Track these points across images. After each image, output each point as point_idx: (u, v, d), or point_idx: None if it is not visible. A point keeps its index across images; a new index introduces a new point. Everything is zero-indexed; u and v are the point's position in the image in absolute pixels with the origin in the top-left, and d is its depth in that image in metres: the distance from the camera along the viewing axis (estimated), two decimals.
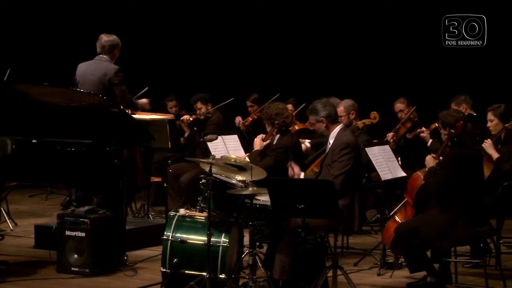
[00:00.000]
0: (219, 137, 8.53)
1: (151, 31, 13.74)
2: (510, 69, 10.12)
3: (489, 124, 8.51)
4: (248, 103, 11.59)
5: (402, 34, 11.67)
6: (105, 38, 8.75)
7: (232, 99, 10.88)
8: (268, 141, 8.30)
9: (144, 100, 9.29)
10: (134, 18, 13.77)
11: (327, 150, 7.20)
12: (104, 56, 8.71)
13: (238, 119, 11.38)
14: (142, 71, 12.86)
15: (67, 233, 7.93)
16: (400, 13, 11.76)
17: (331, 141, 7.16)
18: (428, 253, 7.45)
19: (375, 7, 12.00)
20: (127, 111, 8.61)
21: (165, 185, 10.30)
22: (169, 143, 10.10)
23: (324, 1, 12.58)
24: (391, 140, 9.77)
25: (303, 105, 10.04)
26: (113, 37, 8.77)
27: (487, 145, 8.22)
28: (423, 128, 9.33)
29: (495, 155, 8.17)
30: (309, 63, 12.71)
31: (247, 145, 8.99)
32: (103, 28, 9.10)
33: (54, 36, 13.71)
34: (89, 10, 13.81)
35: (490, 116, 8.49)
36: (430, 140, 9.25)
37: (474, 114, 9.95)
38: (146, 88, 10.42)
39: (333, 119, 7.21)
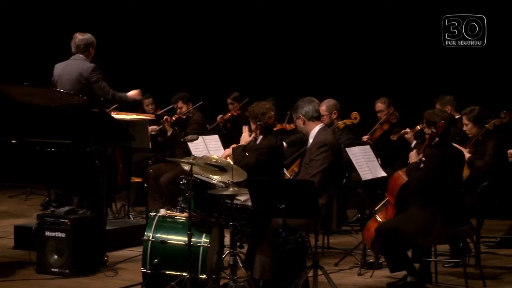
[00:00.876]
0: (200, 137, 8.52)
1: (127, 31, 13.70)
2: (510, 69, 10.15)
3: (464, 127, 8.55)
4: (229, 101, 11.59)
5: (402, 34, 11.68)
6: (79, 37, 8.72)
7: (201, 102, 10.86)
8: (251, 139, 8.28)
9: (133, 92, 9.16)
10: (111, 16, 13.71)
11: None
12: (80, 55, 8.68)
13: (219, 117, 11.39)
14: (119, 69, 12.83)
15: (47, 233, 7.89)
16: (400, 13, 11.77)
17: (310, 140, 7.18)
18: (409, 253, 7.48)
19: (375, 7, 12.00)
20: (113, 106, 8.57)
21: (145, 185, 10.28)
22: (150, 143, 10.08)
23: (324, 2, 12.55)
24: (368, 141, 9.77)
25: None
26: (87, 36, 8.74)
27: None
28: (407, 129, 9.35)
29: (467, 155, 8.20)
30: (304, 63, 12.65)
31: (225, 140, 8.97)
32: (77, 27, 9.07)
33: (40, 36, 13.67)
34: (66, 8, 13.75)
35: (464, 120, 8.52)
36: (414, 141, 9.28)
37: (456, 116, 9.98)
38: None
39: (312, 117, 7.21)
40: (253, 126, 8.00)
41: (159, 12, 13.81)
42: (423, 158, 7.35)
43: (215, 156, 7.08)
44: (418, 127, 9.20)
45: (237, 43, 13.35)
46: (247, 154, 7.84)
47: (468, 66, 11.16)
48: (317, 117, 7.25)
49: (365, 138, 9.80)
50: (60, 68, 8.76)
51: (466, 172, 7.99)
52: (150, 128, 10.49)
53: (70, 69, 8.66)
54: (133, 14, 13.83)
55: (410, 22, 11.62)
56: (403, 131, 9.33)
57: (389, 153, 9.70)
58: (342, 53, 12.24)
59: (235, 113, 11.31)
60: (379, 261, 8.04)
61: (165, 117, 10.76)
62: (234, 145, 8.07)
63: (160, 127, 10.73)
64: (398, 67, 11.71)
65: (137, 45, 13.67)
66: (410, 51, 11.63)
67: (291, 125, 9.96)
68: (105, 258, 8.11)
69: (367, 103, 10.27)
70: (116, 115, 9.29)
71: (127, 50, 13.63)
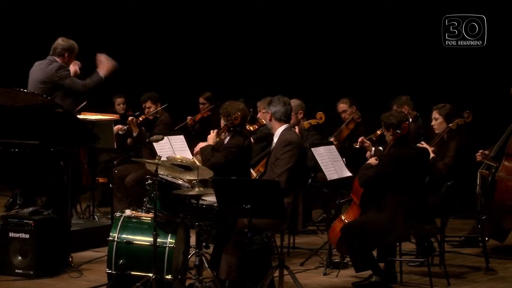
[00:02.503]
0: (165, 138, 8.49)
1: (103, 30, 13.64)
2: (510, 69, 10.22)
3: (433, 122, 8.61)
4: (201, 100, 11.55)
5: (402, 34, 11.69)
6: (59, 41, 8.63)
7: (166, 105, 10.83)
8: (217, 138, 8.27)
9: (103, 67, 8.73)
10: (83, 15, 13.64)
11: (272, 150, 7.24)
12: (54, 57, 8.60)
13: (189, 118, 11.36)
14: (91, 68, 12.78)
15: (11, 234, 7.83)
16: (400, 13, 11.78)
17: (275, 139, 7.20)
18: (374, 253, 7.51)
19: (375, 7, 12.02)
20: (81, 105, 8.48)
21: (110, 186, 10.23)
22: (115, 143, 10.03)
23: (324, 2, 12.56)
24: (335, 143, 9.79)
25: None
26: (68, 42, 8.63)
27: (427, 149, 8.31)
28: (362, 138, 9.37)
29: (430, 155, 8.26)
30: (305, 60, 12.62)
31: (192, 141, 8.96)
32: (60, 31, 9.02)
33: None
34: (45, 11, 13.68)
35: (435, 114, 8.59)
36: (373, 149, 9.30)
37: (418, 114, 10.06)
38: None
39: (279, 119, 7.23)
40: (222, 123, 8.00)
41: (130, 12, 13.73)
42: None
43: (180, 156, 7.06)
44: (379, 131, 9.23)
45: (210, 43, 13.33)
46: (217, 151, 7.84)
47: (468, 66, 11.18)
48: (284, 120, 7.26)
49: (332, 139, 9.82)
50: (34, 67, 8.69)
51: None
52: (117, 127, 10.44)
53: (39, 69, 8.58)
54: (105, 13, 13.74)
55: (410, 22, 11.63)
56: (361, 139, 9.37)
57: (355, 153, 9.72)
58: (341, 53, 12.23)
59: (205, 115, 11.29)
60: (345, 261, 8.08)
61: (130, 117, 10.71)
62: (203, 144, 8.06)
63: (127, 126, 10.67)
64: (398, 67, 11.72)
65: (112, 44, 13.57)
66: (410, 51, 11.64)
67: (254, 125, 9.98)
68: (70, 259, 8.07)
69: (368, 103, 10.23)
70: (81, 116, 9.23)
71: (101, 48, 13.53)
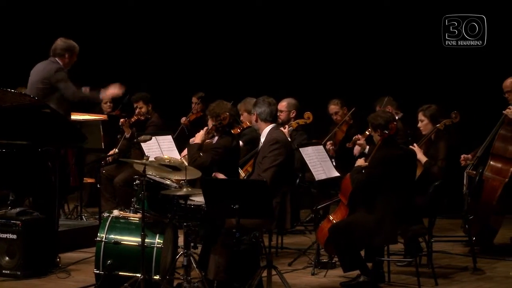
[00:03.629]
0: (153, 138, 8.49)
1: (91, 29, 13.61)
2: (510, 69, 10.24)
3: (419, 124, 8.64)
4: (194, 99, 11.54)
5: (402, 34, 11.69)
6: (59, 42, 8.67)
7: (125, 114, 10.84)
8: (206, 138, 8.28)
9: (109, 90, 8.90)
10: (72, 15, 13.61)
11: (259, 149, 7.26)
12: (54, 58, 8.60)
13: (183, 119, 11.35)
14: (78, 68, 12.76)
15: None
16: (400, 13, 11.78)
17: (262, 139, 7.22)
18: (362, 253, 7.53)
19: (375, 7, 12.02)
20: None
21: (98, 186, 10.21)
22: (102, 144, 10.01)
23: (323, 2, 12.56)
24: (331, 148, 9.80)
25: None
26: (68, 42, 8.67)
27: (416, 150, 8.34)
28: (359, 135, 9.39)
29: (423, 159, 8.30)
30: (303, 63, 12.59)
31: (185, 142, 8.96)
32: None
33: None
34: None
35: (420, 116, 8.61)
36: (367, 147, 9.33)
37: (401, 114, 10.09)
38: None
39: (265, 119, 7.24)
40: (209, 123, 8.00)
41: (119, 11, 13.70)
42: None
43: (168, 157, 7.05)
44: (367, 132, 9.26)
45: (201, 44, 13.33)
46: (201, 154, 7.84)
47: (468, 66, 11.19)
48: (270, 120, 7.27)
49: (329, 144, 9.81)
50: (34, 67, 8.69)
51: (417, 172, 8.09)
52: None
53: (39, 69, 8.61)
54: (94, 12, 13.71)
55: (410, 22, 11.62)
56: (355, 138, 9.38)
57: (344, 154, 9.74)
58: (341, 53, 12.21)
59: (198, 115, 11.28)
60: (333, 261, 8.09)
61: (122, 119, 10.70)
62: (192, 140, 8.08)
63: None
64: (398, 67, 11.71)
65: (99, 43, 13.55)
66: (410, 51, 11.63)
67: (238, 127, 9.99)
68: (58, 259, 8.05)
69: (367, 103, 10.22)
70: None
71: (90, 47, 13.51)
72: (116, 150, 10.55)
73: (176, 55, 13.45)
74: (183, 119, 11.25)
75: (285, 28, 12.72)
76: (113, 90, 8.95)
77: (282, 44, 12.69)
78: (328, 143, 9.83)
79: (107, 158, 10.37)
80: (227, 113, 7.80)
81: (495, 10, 10.92)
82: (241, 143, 9.26)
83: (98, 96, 8.89)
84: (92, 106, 10.77)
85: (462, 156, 8.82)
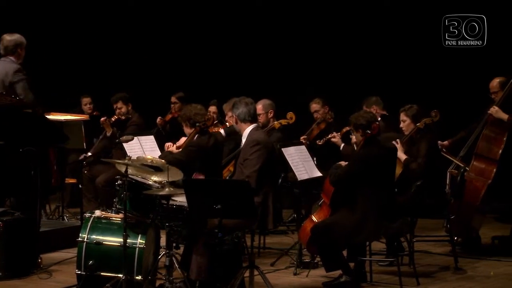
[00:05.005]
0: (135, 138, 8.47)
1: (66, 29, 13.57)
2: (510, 69, 10.24)
3: (401, 124, 8.66)
4: (173, 99, 11.51)
5: (402, 34, 11.69)
6: (7, 38, 8.55)
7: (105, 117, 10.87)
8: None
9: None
10: (49, 16, 13.56)
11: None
12: (9, 57, 8.52)
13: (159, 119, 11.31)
14: (57, 69, 12.71)
15: None
16: (400, 13, 11.78)
17: (243, 140, 7.21)
18: (345, 253, 7.54)
19: (375, 7, 12.02)
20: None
21: (80, 186, 10.18)
22: (84, 144, 9.98)
23: (323, 2, 12.55)
24: (306, 143, 9.82)
25: None
26: (15, 36, 8.57)
27: (397, 147, 8.35)
28: (334, 133, 9.41)
29: (403, 157, 8.31)
30: (296, 64, 12.60)
31: (162, 142, 8.95)
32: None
33: None
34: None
35: (402, 116, 8.63)
36: (342, 145, 9.34)
37: (386, 114, 10.11)
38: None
39: (244, 119, 7.24)
40: (187, 130, 7.98)
41: (96, 11, 13.67)
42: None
43: (150, 157, 7.04)
44: (344, 129, 9.26)
45: (181, 44, 13.32)
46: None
47: (468, 66, 11.20)
48: (250, 120, 7.26)
49: (302, 138, 9.86)
50: None
51: (398, 171, 8.10)
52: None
53: None
54: (70, 12, 13.66)
55: (410, 22, 11.63)
56: (330, 135, 9.38)
57: (325, 153, 9.76)
58: (341, 53, 12.22)
59: (175, 115, 11.27)
60: (315, 261, 8.09)
61: (103, 118, 10.67)
62: (170, 144, 8.07)
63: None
64: (398, 67, 11.72)
65: (77, 45, 13.52)
66: (410, 51, 11.65)
67: (218, 128, 10.00)
68: (39, 260, 8.02)
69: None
70: (50, 116, 9.17)
71: (67, 49, 13.48)
72: (89, 153, 10.51)
73: (158, 55, 13.43)
74: (159, 119, 11.21)
75: (271, 27, 12.74)
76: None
77: (269, 44, 12.70)
78: (302, 137, 9.85)
79: (84, 161, 10.30)
80: (206, 112, 7.87)
81: (495, 10, 10.93)
82: (222, 132, 9.25)
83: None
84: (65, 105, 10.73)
85: (438, 142, 8.83)
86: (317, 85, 11.90)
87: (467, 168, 8.80)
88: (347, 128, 8.99)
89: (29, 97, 8.42)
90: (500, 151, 8.72)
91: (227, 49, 13.03)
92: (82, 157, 10.31)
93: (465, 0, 11.12)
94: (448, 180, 8.77)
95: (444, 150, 8.93)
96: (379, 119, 9.88)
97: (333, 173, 7.40)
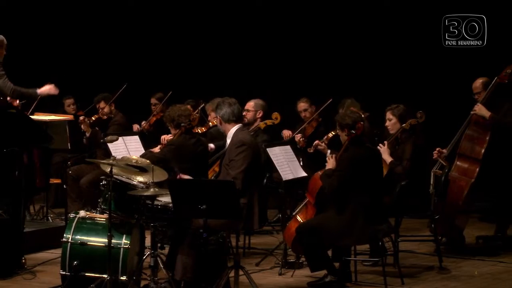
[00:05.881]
0: (120, 138, 8.45)
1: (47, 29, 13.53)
2: None
3: (387, 123, 8.69)
4: (153, 101, 11.48)
5: (402, 34, 11.69)
6: None
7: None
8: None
9: (45, 88, 8.80)
10: (30, 14, 13.52)
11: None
12: None
13: (136, 127, 11.26)
14: (41, 70, 12.65)
15: None
16: (400, 13, 11.78)
17: (228, 140, 7.21)
18: (329, 252, 7.55)
19: (375, 7, 12.02)
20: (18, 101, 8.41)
21: (64, 186, 10.15)
22: (69, 144, 9.95)
23: (323, 2, 12.53)
24: (301, 139, 9.85)
25: None
26: None
27: (382, 150, 8.38)
28: (318, 141, 9.39)
29: (388, 159, 8.34)
30: (305, 63, 12.58)
31: (148, 144, 8.94)
32: None
33: None
34: None
35: (389, 115, 8.65)
36: (329, 151, 9.31)
37: (368, 114, 10.13)
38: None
39: (228, 120, 7.23)
40: (172, 131, 7.99)
41: (76, 12, 13.62)
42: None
43: (135, 157, 7.03)
44: (330, 134, 9.28)
45: (162, 43, 13.29)
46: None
47: (468, 66, 11.20)
48: (234, 120, 7.25)
49: (297, 136, 9.84)
50: None
51: (384, 172, 8.12)
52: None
53: None
54: (50, 12, 13.61)
55: (410, 22, 11.63)
56: (316, 143, 9.38)
57: (311, 153, 9.75)
58: (341, 53, 12.20)
59: (158, 116, 11.24)
60: (300, 261, 8.10)
61: (81, 117, 10.63)
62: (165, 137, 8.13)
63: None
64: (398, 67, 11.72)
65: (59, 46, 13.48)
66: (410, 51, 11.65)
67: (203, 127, 9.99)
68: (23, 260, 7.99)
69: (376, 104, 10.19)
70: (34, 116, 9.14)
71: (48, 50, 13.44)
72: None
73: (141, 55, 13.40)
74: (143, 123, 11.16)
75: (252, 25, 12.73)
76: (49, 89, 8.79)
77: (258, 43, 12.70)
78: (297, 135, 9.85)
79: (68, 161, 10.29)
80: (189, 112, 7.90)
81: (495, 10, 10.94)
82: (212, 146, 9.27)
83: (36, 92, 8.73)
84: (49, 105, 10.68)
85: (436, 149, 8.84)
86: (316, 86, 11.88)
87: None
88: (332, 133, 9.00)
89: (10, 91, 8.38)
90: (483, 150, 8.76)
91: (209, 50, 13.02)
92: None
93: (465, 0, 11.13)
94: (432, 180, 8.79)
95: (441, 156, 8.89)
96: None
97: (328, 185, 7.36)
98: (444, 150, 8.85)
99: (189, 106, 10.57)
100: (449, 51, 10.95)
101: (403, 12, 11.80)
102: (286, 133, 10.27)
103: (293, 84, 12.21)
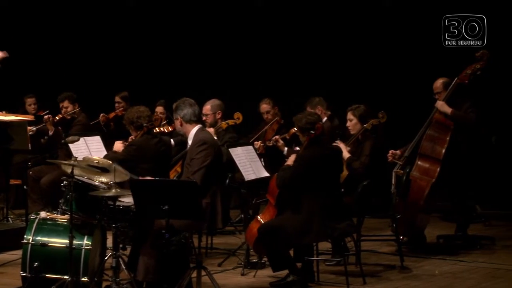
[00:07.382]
0: (81, 139, 8.40)
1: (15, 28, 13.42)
2: (510, 69, 10.24)
3: (348, 123, 8.72)
4: (117, 99, 11.43)
5: (402, 34, 11.72)
6: None
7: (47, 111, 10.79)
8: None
9: None
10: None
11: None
12: None
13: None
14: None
15: None
16: (400, 13, 11.81)
17: (189, 141, 7.20)
18: (292, 252, 7.56)
19: (375, 7, 12.01)
20: None
21: (25, 187, 10.06)
22: (29, 144, 9.86)
23: (323, 2, 12.51)
24: (261, 145, 9.74)
25: None
26: None
27: (342, 146, 8.40)
28: (277, 137, 9.40)
29: (346, 155, 8.37)
30: (299, 64, 12.57)
31: (106, 139, 8.90)
32: None
33: None
34: None
35: (349, 115, 8.69)
36: (286, 149, 9.32)
37: (330, 113, 10.17)
38: None
39: (189, 120, 7.22)
40: (133, 133, 7.98)
41: (37, 10, 13.53)
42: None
43: (96, 157, 6.99)
44: (292, 130, 9.29)
45: (125, 43, 13.25)
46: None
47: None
48: (195, 121, 7.24)
49: (257, 143, 9.75)
50: None
51: (345, 172, 8.16)
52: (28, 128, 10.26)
53: None
54: (10, 10, 13.49)
55: (410, 22, 11.67)
56: (275, 138, 9.38)
57: (273, 153, 9.76)
58: (341, 54, 12.20)
59: (119, 113, 11.19)
60: (262, 261, 8.11)
61: (46, 116, 10.54)
62: (119, 142, 8.06)
63: (38, 127, 10.49)
64: (398, 67, 11.74)
65: (22, 43, 13.35)
66: (410, 51, 11.68)
67: (170, 127, 9.96)
68: None
69: (375, 105, 10.19)
70: None
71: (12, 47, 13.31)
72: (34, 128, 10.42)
73: (104, 54, 13.35)
74: (101, 115, 11.11)
75: (215, 25, 12.74)
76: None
77: (219, 43, 12.70)
78: (255, 143, 9.81)
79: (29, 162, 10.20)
80: (148, 113, 7.89)
81: (495, 10, 10.98)
82: (172, 142, 9.25)
83: None
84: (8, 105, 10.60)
85: (390, 151, 8.91)
86: (316, 86, 11.88)
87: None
88: (294, 130, 9.01)
89: None
90: (444, 150, 8.84)
91: (173, 49, 12.99)
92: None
93: (465, 0, 11.18)
94: (393, 180, 8.84)
95: (396, 157, 8.95)
96: (325, 119, 9.96)
97: (279, 177, 7.42)
98: (398, 152, 8.93)
99: (161, 107, 10.60)
100: (449, 51, 11.00)
101: (403, 12, 11.86)
102: (257, 144, 10.09)
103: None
